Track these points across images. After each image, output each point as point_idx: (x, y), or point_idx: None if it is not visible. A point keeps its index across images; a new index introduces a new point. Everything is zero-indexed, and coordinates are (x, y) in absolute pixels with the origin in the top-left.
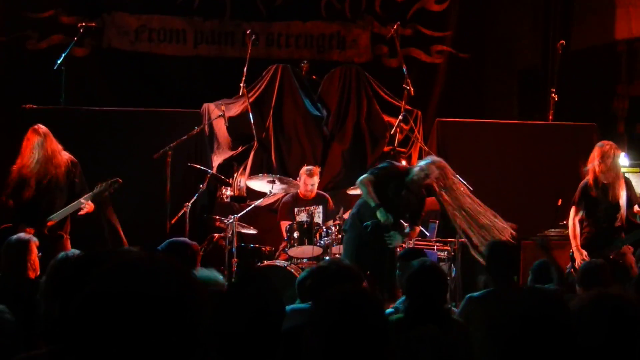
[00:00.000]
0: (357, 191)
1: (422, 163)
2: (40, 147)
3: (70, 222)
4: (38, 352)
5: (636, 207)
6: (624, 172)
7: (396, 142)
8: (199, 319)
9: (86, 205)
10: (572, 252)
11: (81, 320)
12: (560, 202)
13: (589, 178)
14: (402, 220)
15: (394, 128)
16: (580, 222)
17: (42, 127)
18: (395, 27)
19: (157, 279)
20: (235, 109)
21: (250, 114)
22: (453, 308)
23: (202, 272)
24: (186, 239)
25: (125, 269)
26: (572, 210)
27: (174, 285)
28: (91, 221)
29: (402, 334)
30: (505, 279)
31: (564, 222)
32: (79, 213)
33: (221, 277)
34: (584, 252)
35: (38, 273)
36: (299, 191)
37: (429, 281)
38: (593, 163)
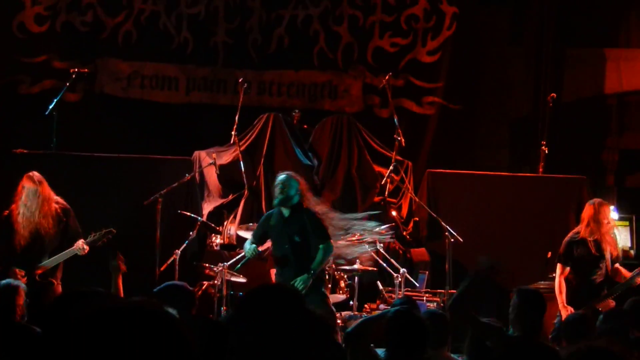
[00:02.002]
0: (352, 239)
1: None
2: (34, 194)
3: (62, 269)
4: None
5: (617, 265)
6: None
7: (387, 192)
8: None
9: (83, 250)
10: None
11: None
12: (550, 254)
13: (580, 234)
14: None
15: (385, 178)
16: (566, 277)
17: (36, 175)
18: (387, 77)
19: (146, 330)
20: (226, 157)
21: (242, 162)
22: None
23: None
24: (183, 283)
25: (115, 316)
26: (558, 267)
27: (163, 338)
28: (90, 270)
29: None
30: (533, 329)
31: (553, 275)
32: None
33: None
34: (570, 309)
35: (25, 318)
36: None
37: (404, 330)
38: (587, 221)
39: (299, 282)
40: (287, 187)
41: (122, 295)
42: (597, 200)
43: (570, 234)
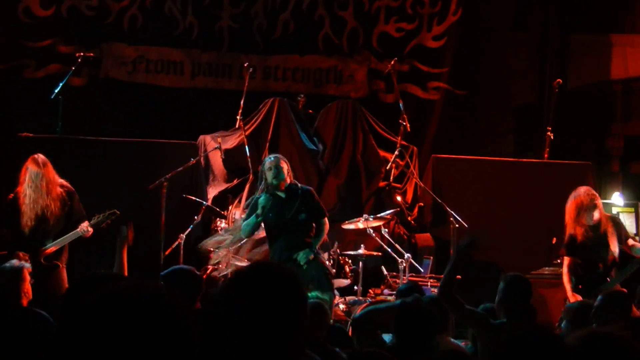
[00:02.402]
0: (352, 226)
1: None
2: (38, 177)
3: (67, 251)
4: None
5: (630, 241)
6: (612, 214)
7: (392, 178)
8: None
9: (87, 232)
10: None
11: (76, 345)
12: (554, 240)
13: (575, 230)
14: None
15: (390, 163)
16: (573, 267)
17: (41, 157)
18: (392, 62)
19: (154, 313)
20: (231, 142)
21: (247, 147)
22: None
23: None
24: (191, 267)
25: (122, 299)
26: (565, 259)
27: (170, 320)
28: (95, 253)
29: None
30: (520, 314)
31: (559, 261)
32: (85, 236)
33: None
34: (578, 297)
35: (30, 299)
36: None
37: (415, 318)
38: (572, 218)
39: (302, 256)
40: (280, 170)
41: (125, 268)
42: (582, 189)
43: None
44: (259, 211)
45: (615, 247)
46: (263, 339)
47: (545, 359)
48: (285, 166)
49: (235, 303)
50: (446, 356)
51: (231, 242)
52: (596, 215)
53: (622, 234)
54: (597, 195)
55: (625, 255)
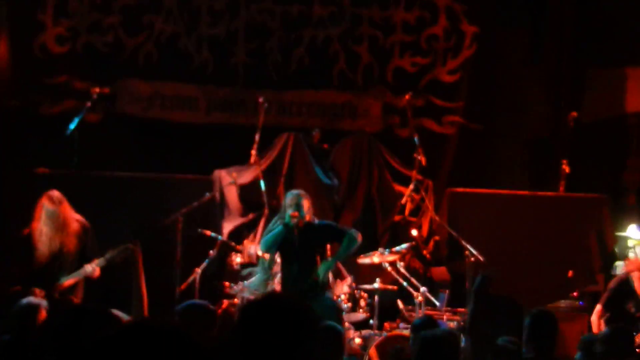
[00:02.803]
0: (367, 260)
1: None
2: (53, 214)
3: (82, 287)
4: None
5: None
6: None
7: (407, 212)
8: None
9: (94, 271)
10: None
11: None
12: (571, 273)
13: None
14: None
15: (405, 197)
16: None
17: (56, 194)
18: (407, 97)
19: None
20: (246, 177)
21: (262, 182)
22: None
23: None
24: (206, 302)
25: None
26: (598, 307)
27: None
28: (113, 286)
29: None
30: (548, 349)
31: (574, 295)
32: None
33: None
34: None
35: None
36: None
37: (441, 352)
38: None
39: (322, 268)
40: (301, 208)
41: (144, 293)
42: None
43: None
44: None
45: None
46: None
47: None
48: (306, 204)
49: (247, 332)
50: None
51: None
52: None
53: None
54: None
55: None
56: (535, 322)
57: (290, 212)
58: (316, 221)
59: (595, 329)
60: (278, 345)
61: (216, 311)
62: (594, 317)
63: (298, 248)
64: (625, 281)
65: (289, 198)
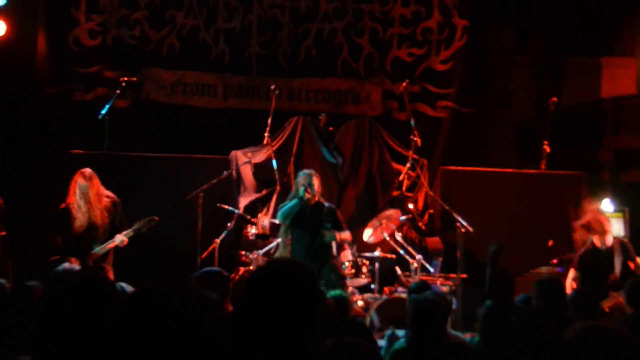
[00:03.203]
0: (370, 236)
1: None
2: (86, 189)
3: (113, 255)
4: None
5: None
6: (621, 236)
7: (404, 188)
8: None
9: (122, 243)
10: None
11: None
12: (551, 243)
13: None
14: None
15: (402, 175)
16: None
17: (88, 170)
18: (404, 84)
19: (189, 315)
20: (260, 156)
21: (274, 161)
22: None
23: None
24: (220, 269)
25: (155, 298)
26: (571, 271)
27: (205, 321)
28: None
29: None
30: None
31: (554, 262)
32: (120, 246)
33: None
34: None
35: None
36: None
37: (431, 313)
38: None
39: (330, 234)
40: (312, 187)
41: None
42: (593, 214)
43: (584, 247)
44: (298, 197)
45: (618, 268)
46: (283, 329)
47: (549, 352)
48: (316, 183)
49: (255, 295)
50: (452, 348)
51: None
52: (609, 240)
53: (628, 259)
54: (608, 219)
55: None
56: (545, 286)
57: (303, 189)
58: (326, 204)
59: (568, 290)
60: (282, 308)
61: (229, 277)
62: (567, 280)
63: (309, 220)
64: (592, 248)
65: (301, 177)
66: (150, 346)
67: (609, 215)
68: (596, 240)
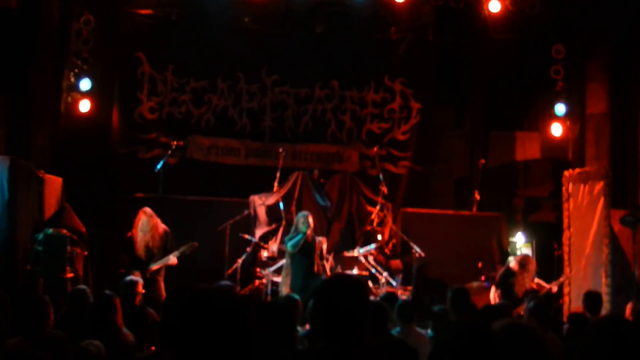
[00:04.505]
0: (349, 254)
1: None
2: (146, 222)
3: (164, 270)
4: (149, 354)
5: (536, 280)
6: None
7: (375, 224)
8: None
9: (173, 260)
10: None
11: (180, 330)
12: (480, 264)
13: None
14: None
15: (374, 214)
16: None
17: (148, 210)
18: (375, 149)
19: (237, 308)
20: (271, 200)
21: (281, 203)
22: (422, 331)
23: None
24: (230, 283)
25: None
26: (493, 288)
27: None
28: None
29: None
30: (466, 311)
31: (482, 279)
32: (170, 264)
33: None
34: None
35: (141, 300)
36: None
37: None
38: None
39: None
40: (308, 224)
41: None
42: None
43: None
44: (302, 232)
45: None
46: (348, 325)
47: (479, 344)
48: (311, 221)
49: (326, 298)
50: (389, 345)
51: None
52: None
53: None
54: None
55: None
56: (455, 295)
57: (306, 226)
58: (316, 238)
59: (492, 301)
60: (346, 309)
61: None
62: (491, 294)
63: (307, 248)
64: (507, 269)
65: (302, 216)
66: (204, 330)
67: (521, 245)
68: (513, 264)
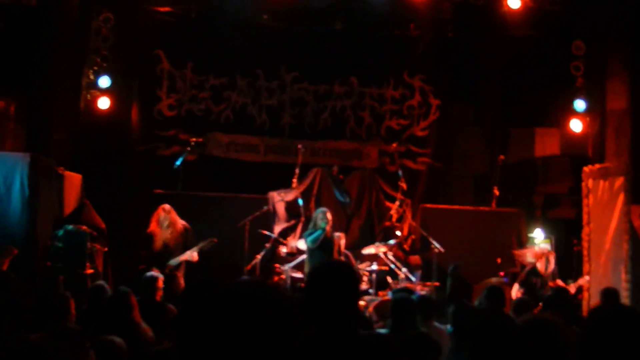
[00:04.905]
0: (369, 250)
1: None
2: (165, 219)
3: (185, 266)
4: (166, 347)
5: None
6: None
7: (394, 220)
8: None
9: (193, 256)
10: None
11: (197, 324)
12: (499, 260)
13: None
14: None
15: (392, 210)
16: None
17: (167, 206)
18: (394, 145)
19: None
20: (290, 196)
21: (300, 200)
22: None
23: None
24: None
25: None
26: (516, 285)
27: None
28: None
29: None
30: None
31: (501, 274)
32: (191, 260)
33: None
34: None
35: (162, 295)
36: None
37: (404, 306)
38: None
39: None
40: (327, 219)
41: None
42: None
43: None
44: (321, 228)
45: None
46: (340, 310)
47: (507, 335)
48: (329, 217)
49: (318, 285)
50: (415, 338)
51: None
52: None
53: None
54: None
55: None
56: (490, 293)
57: (325, 222)
58: (335, 234)
59: (513, 297)
60: (338, 293)
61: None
62: (513, 290)
63: (327, 245)
64: (533, 268)
65: (320, 212)
66: (234, 320)
67: (539, 241)
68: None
